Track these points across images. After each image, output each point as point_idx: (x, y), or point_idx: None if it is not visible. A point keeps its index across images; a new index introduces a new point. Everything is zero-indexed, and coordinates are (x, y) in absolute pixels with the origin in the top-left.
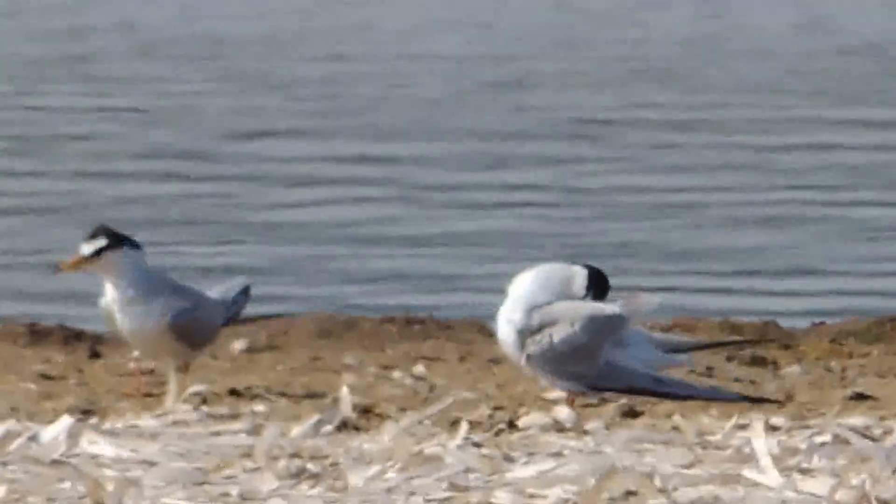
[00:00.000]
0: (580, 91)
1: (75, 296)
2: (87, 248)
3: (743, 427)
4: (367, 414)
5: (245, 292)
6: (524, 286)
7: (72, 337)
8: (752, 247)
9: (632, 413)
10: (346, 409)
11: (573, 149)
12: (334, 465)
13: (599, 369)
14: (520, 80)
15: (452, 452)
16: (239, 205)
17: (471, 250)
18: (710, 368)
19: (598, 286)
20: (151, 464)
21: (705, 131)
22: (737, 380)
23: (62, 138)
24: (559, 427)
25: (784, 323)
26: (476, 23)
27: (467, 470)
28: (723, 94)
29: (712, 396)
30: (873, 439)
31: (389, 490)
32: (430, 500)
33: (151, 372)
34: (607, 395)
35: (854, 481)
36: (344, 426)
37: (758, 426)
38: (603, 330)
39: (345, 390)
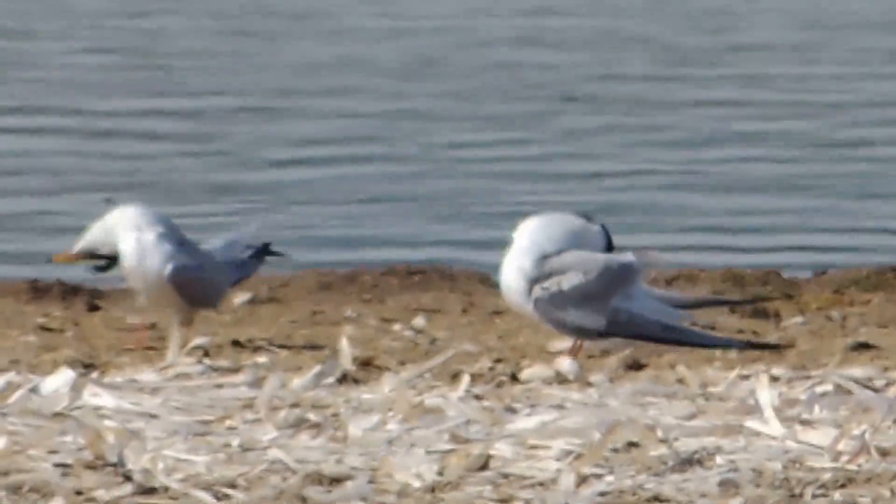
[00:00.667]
0: (559, 53)
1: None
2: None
3: (746, 378)
4: (368, 366)
5: (259, 254)
6: (533, 234)
7: (70, 292)
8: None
9: (635, 365)
10: (345, 361)
11: (562, 106)
12: (335, 415)
13: (606, 317)
14: None
15: (453, 404)
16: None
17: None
18: (712, 321)
19: (610, 245)
20: (153, 416)
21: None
22: (739, 331)
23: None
24: (561, 379)
25: (786, 274)
26: None
27: (468, 422)
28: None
29: (717, 343)
30: (875, 390)
31: (390, 441)
32: (430, 452)
33: (153, 326)
34: (612, 342)
35: (855, 431)
36: (344, 378)
37: (763, 378)
38: (614, 280)
39: (344, 342)
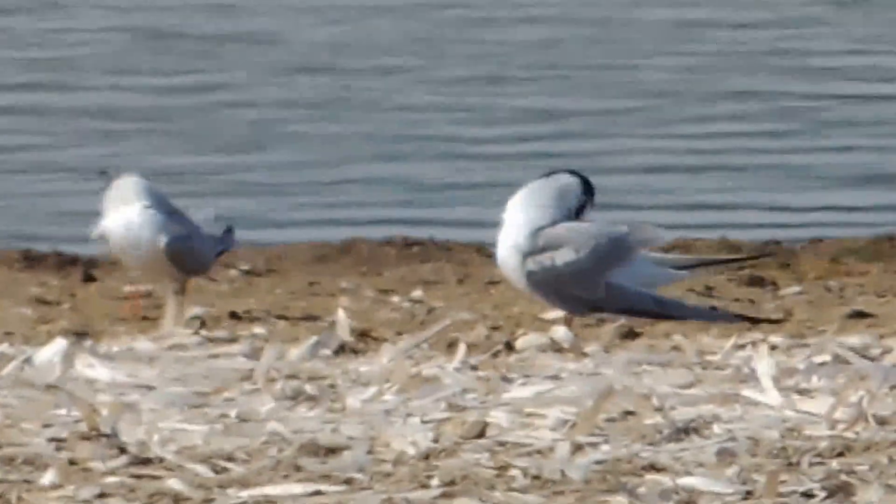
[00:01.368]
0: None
1: (70, 217)
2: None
3: (742, 347)
4: (365, 337)
5: (230, 231)
6: (522, 210)
7: (66, 262)
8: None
9: (631, 334)
10: (343, 332)
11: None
12: (332, 386)
13: (600, 291)
14: None
15: (450, 374)
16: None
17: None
18: (709, 288)
19: (588, 191)
20: (149, 388)
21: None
22: (736, 300)
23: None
24: (557, 348)
25: (783, 238)
26: None
27: (465, 391)
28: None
29: (712, 317)
30: (871, 358)
31: (388, 411)
32: (427, 421)
33: (149, 295)
34: (606, 315)
35: (852, 399)
36: (342, 350)
37: (762, 348)
38: (608, 256)
39: (341, 313)
